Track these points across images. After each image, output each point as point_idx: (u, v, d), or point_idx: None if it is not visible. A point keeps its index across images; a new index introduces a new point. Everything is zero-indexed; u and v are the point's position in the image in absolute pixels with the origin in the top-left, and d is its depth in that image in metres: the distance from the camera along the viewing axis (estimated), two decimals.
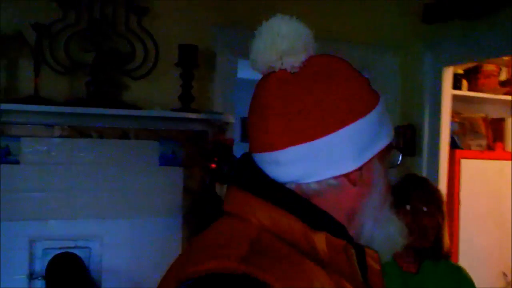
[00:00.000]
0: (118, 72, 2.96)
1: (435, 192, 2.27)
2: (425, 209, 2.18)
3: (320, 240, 0.94)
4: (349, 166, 0.97)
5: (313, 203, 0.98)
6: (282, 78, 0.98)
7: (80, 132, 2.93)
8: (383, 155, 1.02)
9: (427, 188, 2.25)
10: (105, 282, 2.94)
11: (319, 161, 0.96)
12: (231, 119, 3.00)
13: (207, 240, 0.99)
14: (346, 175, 0.98)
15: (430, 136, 3.51)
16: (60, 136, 2.90)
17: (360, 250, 1.00)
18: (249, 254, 0.89)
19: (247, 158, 1.04)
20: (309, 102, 0.96)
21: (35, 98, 2.74)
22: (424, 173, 3.45)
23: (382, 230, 1.04)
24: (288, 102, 0.96)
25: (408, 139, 3.53)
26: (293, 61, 0.97)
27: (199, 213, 3.01)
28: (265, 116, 0.98)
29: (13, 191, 2.83)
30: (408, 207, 2.15)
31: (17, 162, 2.83)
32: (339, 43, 3.43)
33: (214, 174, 2.98)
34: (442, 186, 3.44)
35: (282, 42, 0.97)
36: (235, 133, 3.20)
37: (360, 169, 0.98)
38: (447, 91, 3.50)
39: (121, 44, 2.96)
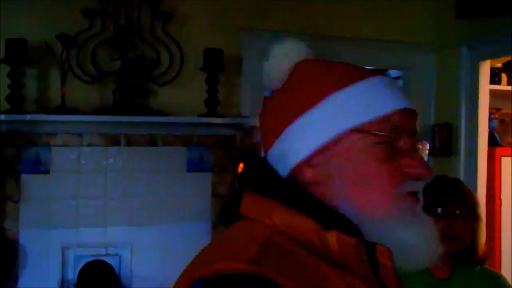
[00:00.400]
0: (144, 79, 2.98)
1: (468, 194, 2.16)
2: (457, 212, 2.09)
3: (332, 238, 0.93)
4: (303, 153, 0.99)
5: (323, 202, 0.97)
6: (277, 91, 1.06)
7: (108, 140, 2.96)
8: (368, 130, 0.97)
9: (460, 190, 2.15)
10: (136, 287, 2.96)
11: (289, 149, 1.00)
12: (258, 122, 2.96)
13: (220, 242, 1.01)
14: (306, 161, 0.98)
15: (467, 135, 3.38)
16: (89, 145, 2.93)
17: (371, 248, 0.96)
18: (259, 255, 0.88)
19: (258, 160, 1.06)
20: (279, 100, 1.04)
21: (62, 108, 2.78)
22: (461, 174, 3.33)
23: (411, 231, 0.98)
24: (275, 107, 1.05)
25: (444, 138, 3.41)
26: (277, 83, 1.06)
27: (228, 218, 2.99)
28: (261, 122, 1.08)
29: (45, 200, 2.87)
30: (439, 210, 2.07)
31: (47, 172, 2.88)
32: (373, 42, 3.39)
33: (241, 179, 2.94)
34: (481, 186, 3.30)
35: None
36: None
37: (318, 154, 0.97)
38: (485, 86, 3.36)
39: (147, 51, 2.98)
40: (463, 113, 3.40)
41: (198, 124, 3.00)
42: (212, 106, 2.95)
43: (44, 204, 2.87)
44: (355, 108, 0.98)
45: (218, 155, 3.09)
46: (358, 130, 0.97)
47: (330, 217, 0.95)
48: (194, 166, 3.06)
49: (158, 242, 3.01)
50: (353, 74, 1.02)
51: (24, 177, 2.84)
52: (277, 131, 1.01)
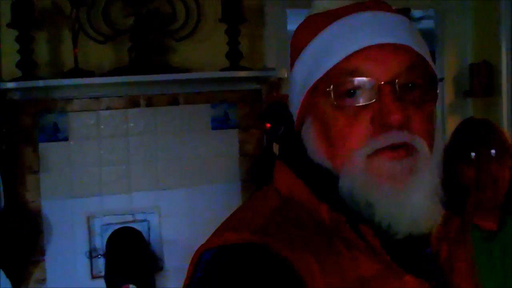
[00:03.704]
0: (160, 35, 2.80)
1: (500, 134, 2.00)
2: (493, 153, 1.92)
3: (323, 212, 0.89)
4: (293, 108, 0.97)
5: (318, 165, 0.92)
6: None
7: (128, 102, 2.81)
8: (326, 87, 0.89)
9: (490, 131, 1.99)
10: (166, 253, 2.87)
11: (290, 102, 0.99)
12: (285, 73, 2.80)
13: (241, 210, 1.01)
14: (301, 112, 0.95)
15: (509, 74, 3.16)
16: (108, 108, 2.80)
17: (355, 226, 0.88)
18: (265, 224, 0.88)
19: (289, 123, 1.02)
20: None
21: (76, 71, 2.63)
22: (504, 115, 3.14)
23: (394, 198, 0.86)
24: None
25: (484, 78, 3.19)
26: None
27: (258, 177, 2.86)
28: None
29: (66, 168, 2.76)
30: (473, 155, 1.90)
31: (66, 139, 2.75)
32: None
33: (270, 135, 2.80)
34: None
35: None
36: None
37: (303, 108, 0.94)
38: None
39: (161, 4, 2.79)
40: (503, 50, 3.16)
41: (221, 79, 2.84)
42: (234, 59, 2.78)
43: (65, 172, 2.76)
44: (314, 63, 0.91)
45: (244, 111, 2.93)
46: (315, 87, 0.91)
47: (323, 188, 0.91)
48: (219, 124, 2.91)
49: (187, 205, 2.89)
50: (319, 23, 0.93)
51: (42, 146, 2.72)
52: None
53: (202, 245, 0.91)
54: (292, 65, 0.98)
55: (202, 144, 2.90)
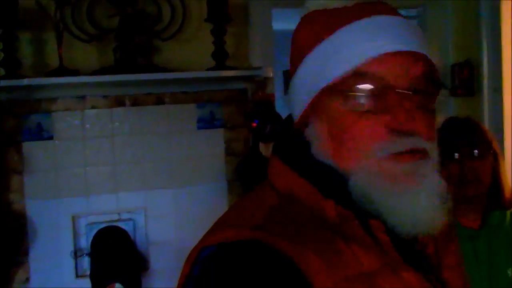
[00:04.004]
0: (145, 35, 2.79)
1: (481, 130, 2.02)
2: (476, 152, 1.95)
3: (329, 207, 0.88)
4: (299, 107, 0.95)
5: (323, 163, 0.92)
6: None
7: (113, 102, 2.80)
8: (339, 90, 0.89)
9: (472, 128, 2.02)
10: (152, 253, 2.86)
11: (293, 100, 0.98)
12: (270, 73, 2.80)
13: (232, 209, 1.01)
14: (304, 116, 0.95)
15: (490, 73, 3.20)
16: (93, 108, 2.78)
17: (365, 222, 0.89)
18: (264, 221, 0.87)
19: (289, 120, 1.02)
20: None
21: (60, 70, 2.61)
22: (485, 115, 3.18)
23: (402, 197, 0.88)
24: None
25: (465, 77, 3.23)
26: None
27: (244, 176, 2.86)
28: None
29: (50, 169, 2.74)
30: (456, 155, 1.93)
31: (51, 138, 2.73)
32: None
33: (257, 134, 2.80)
34: (507, 127, 3.14)
35: None
36: (276, 88, 3.00)
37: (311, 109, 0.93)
38: (508, 20, 3.15)
39: (146, 5, 2.78)
40: (485, 50, 3.21)
41: (207, 79, 2.83)
42: (220, 59, 2.77)
43: (50, 173, 2.74)
44: (327, 64, 0.90)
45: (230, 111, 2.93)
46: (329, 88, 0.90)
47: (327, 185, 0.91)
48: (205, 123, 2.91)
49: (173, 205, 2.89)
50: (331, 23, 0.93)
51: (27, 145, 2.70)
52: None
53: (199, 243, 0.90)
54: (295, 62, 0.97)
55: (188, 144, 2.90)
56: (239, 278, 0.82)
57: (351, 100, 0.88)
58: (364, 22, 0.91)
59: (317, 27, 0.94)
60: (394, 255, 0.89)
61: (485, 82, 3.22)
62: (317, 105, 0.93)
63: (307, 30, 0.97)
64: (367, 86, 0.87)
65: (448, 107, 3.19)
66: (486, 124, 3.11)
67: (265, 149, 2.80)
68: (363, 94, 0.87)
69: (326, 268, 0.82)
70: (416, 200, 0.88)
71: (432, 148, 0.90)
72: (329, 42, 0.91)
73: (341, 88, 0.88)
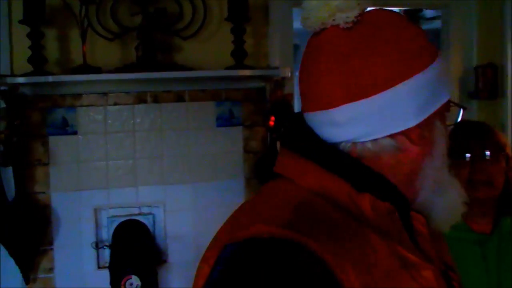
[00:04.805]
0: (167, 33, 2.85)
1: (495, 135, 2.01)
2: (487, 154, 1.94)
3: (364, 202, 0.90)
4: (408, 123, 0.93)
5: (362, 163, 0.94)
6: (335, 35, 0.96)
7: (134, 98, 2.88)
8: (443, 112, 0.97)
9: (486, 132, 2.00)
10: (170, 247, 2.92)
11: (376, 118, 0.93)
12: (288, 73, 2.83)
13: (254, 204, 1.00)
14: (405, 133, 0.94)
15: None
16: (115, 104, 2.86)
17: (407, 214, 0.93)
18: (294, 218, 0.87)
19: (299, 117, 1.02)
20: (363, 58, 0.92)
21: (84, 67, 2.70)
22: (509, 118, 3.14)
23: (443, 197, 0.96)
24: (342, 59, 0.94)
25: (489, 80, 3.20)
26: (345, 17, 0.95)
27: (261, 174, 2.90)
28: (318, 74, 0.96)
29: (74, 162, 2.83)
30: (467, 156, 1.93)
31: (75, 133, 2.83)
32: None
33: (274, 133, 2.84)
34: None
35: None
36: (295, 88, 3.02)
37: (419, 126, 0.94)
38: None
39: (168, 4, 2.84)
40: (509, 53, 3.17)
41: (226, 77, 2.87)
42: (239, 58, 2.82)
43: (74, 166, 2.83)
44: (435, 91, 0.96)
45: (248, 109, 2.97)
46: (437, 113, 0.97)
47: (364, 179, 0.92)
48: (224, 121, 2.96)
49: (191, 200, 2.94)
50: (430, 51, 0.98)
51: (52, 139, 2.80)
52: (352, 95, 0.93)
53: (223, 238, 0.90)
54: (404, 63, 0.95)
55: (207, 141, 2.95)
56: (269, 275, 0.81)
57: (447, 119, 1.01)
58: (441, 57, 1.00)
59: (430, 46, 1.00)
60: (429, 250, 0.94)
61: (509, 84, 3.18)
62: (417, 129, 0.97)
63: (421, 39, 1.00)
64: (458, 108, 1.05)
65: (470, 110, 3.16)
66: (509, 128, 3.08)
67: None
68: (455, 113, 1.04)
69: (357, 270, 0.83)
70: (453, 196, 0.97)
71: None
72: (436, 68, 0.98)
73: (445, 110, 1.00)
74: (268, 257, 0.83)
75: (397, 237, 0.90)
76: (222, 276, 0.86)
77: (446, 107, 0.98)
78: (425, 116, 0.93)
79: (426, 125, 0.95)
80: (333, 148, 0.96)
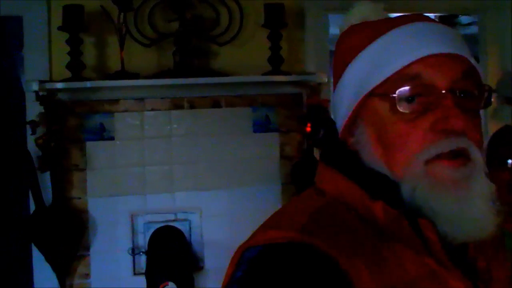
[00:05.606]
0: (203, 40, 2.87)
1: None
2: None
3: (378, 209, 0.89)
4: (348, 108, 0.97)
5: (373, 169, 0.94)
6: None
7: (171, 104, 2.89)
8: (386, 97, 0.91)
9: None
10: (207, 253, 2.91)
11: (337, 107, 1.01)
12: (325, 78, 2.82)
13: (279, 211, 1.01)
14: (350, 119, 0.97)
15: None
16: (152, 110, 2.87)
17: (414, 221, 0.88)
18: (309, 223, 0.88)
19: (330, 126, 1.04)
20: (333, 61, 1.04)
21: (122, 73, 2.71)
22: None
23: (461, 204, 0.88)
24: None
25: None
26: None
27: (298, 180, 2.89)
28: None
29: (111, 167, 2.85)
30: (510, 162, 1.90)
31: (112, 138, 2.84)
32: None
33: (311, 138, 2.83)
34: None
35: None
36: (331, 93, 3.01)
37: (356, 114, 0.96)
38: None
39: (205, 10, 2.86)
40: None
41: (262, 83, 2.88)
42: (276, 64, 2.82)
43: (110, 171, 2.85)
44: (371, 69, 0.93)
45: (284, 115, 2.97)
46: (373, 94, 0.93)
47: (375, 185, 0.92)
48: (260, 127, 2.95)
49: (227, 206, 2.94)
50: (374, 31, 0.96)
51: (89, 144, 2.82)
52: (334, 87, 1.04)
53: (244, 243, 0.92)
54: (338, 72, 1.00)
55: (243, 147, 2.95)
56: (286, 279, 0.83)
57: (395, 103, 0.90)
58: (406, 27, 0.94)
59: (361, 36, 0.97)
60: (443, 257, 0.89)
61: None
62: (362, 111, 0.95)
63: (350, 39, 1.00)
64: (411, 88, 0.89)
65: (507, 115, 3.13)
66: None
67: (319, 154, 2.83)
68: (407, 96, 0.89)
69: (371, 275, 0.83)
70: (468, 205, 0.88)
71: (476, 150, 0.90)
72: (372, 48, 0.95)
73: (385, 91, 0.91)
74: (285, 260, 0.85)
75: (409, 243, 0.88)
76: (246, 276, 0.88)
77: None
78: (345, 116, 0.98)
79: (359, 113, 0.96)
80: (348, 153, 0.98)
